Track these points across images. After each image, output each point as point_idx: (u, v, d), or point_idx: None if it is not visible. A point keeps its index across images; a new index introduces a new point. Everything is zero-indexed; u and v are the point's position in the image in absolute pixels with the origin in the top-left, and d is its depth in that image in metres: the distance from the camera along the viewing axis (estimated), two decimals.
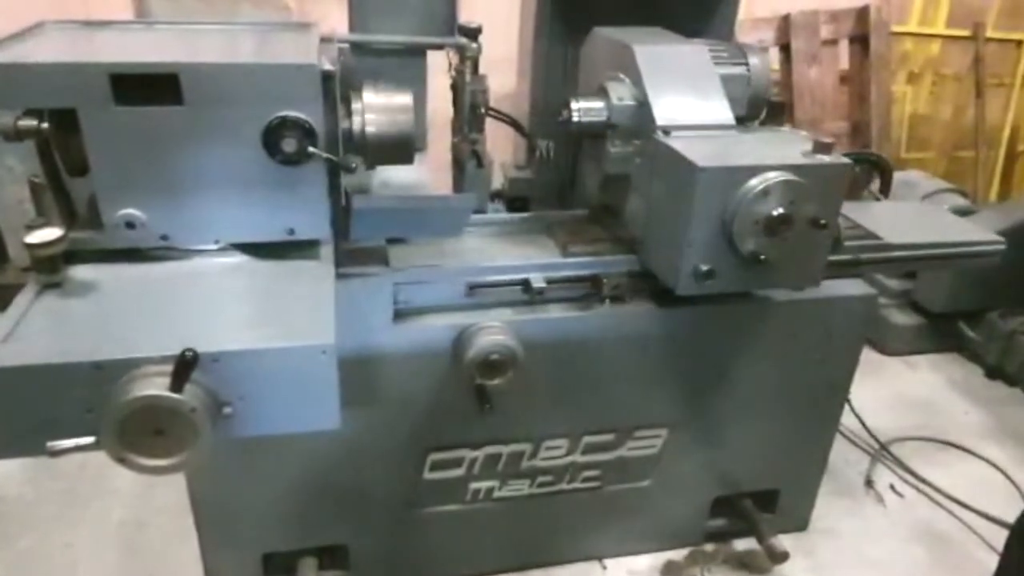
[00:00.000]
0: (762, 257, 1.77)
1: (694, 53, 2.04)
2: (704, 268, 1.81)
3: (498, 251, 2.12)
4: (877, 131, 4.67)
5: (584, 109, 1.98)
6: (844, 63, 4.70)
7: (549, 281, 1.99)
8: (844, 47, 4.67)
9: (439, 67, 2.34)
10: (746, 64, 2.12)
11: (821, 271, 1.94)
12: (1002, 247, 2.33)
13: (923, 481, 2.93)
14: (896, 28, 4.76)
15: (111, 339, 1.27)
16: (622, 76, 2.00)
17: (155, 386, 1.18)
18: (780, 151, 1.84)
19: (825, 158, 1.79)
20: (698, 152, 1.76)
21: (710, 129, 1.91)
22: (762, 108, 2.17)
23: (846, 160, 1.80)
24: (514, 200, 2.67)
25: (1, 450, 1.23)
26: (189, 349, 1.16)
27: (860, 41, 4.65)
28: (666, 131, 1.88)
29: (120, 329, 1.33)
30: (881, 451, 3.06)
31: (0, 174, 3.47)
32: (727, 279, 1.85)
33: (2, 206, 3.53)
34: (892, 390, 3.53)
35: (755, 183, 1.72)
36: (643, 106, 1.93)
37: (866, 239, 2.20)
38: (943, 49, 5.07)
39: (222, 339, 1.27)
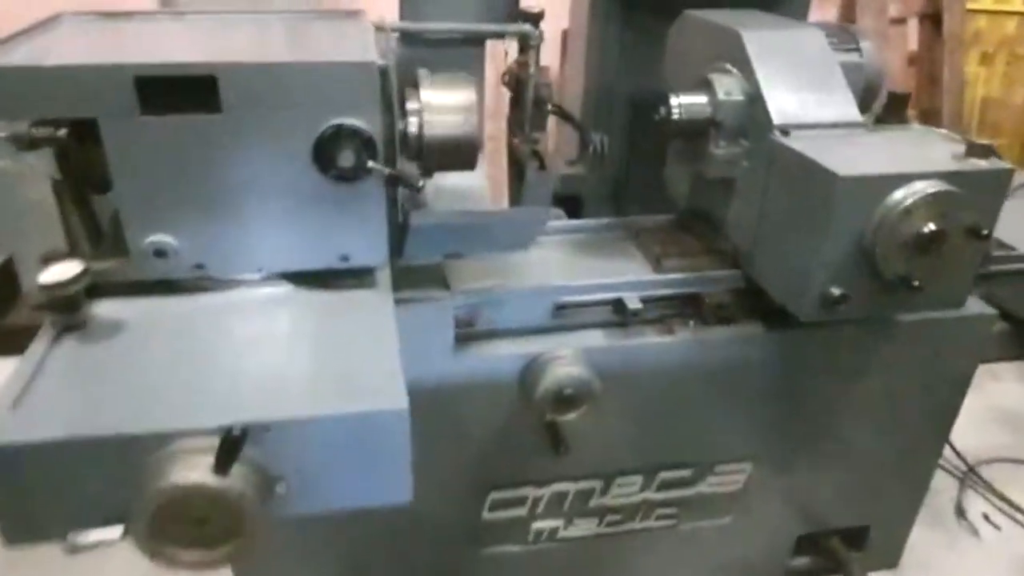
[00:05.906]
0: (915, 282, 1.51)
1: (810, 38, 1.75)
2: (837, 292, 1.54)
3: (577, 265, 1.88)
4: (949, 117, 4.34)
5: (685, 106, 1.72)
6: (913, 44, 4.37)
7: (644, 300, 1.75)
8: (913, 26, 4.35)
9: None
10: (858, 50, 1.85)
11: (968, 291, 1.68)
12: None
13: (1018, 510, 2.67)
14: (970, 5, 4.42)
15: (142, 403, 1.06)
16: (729, 67, 1.73)
17: (195, 466, 0.96)
18: (925, 154, 1.57)
19: (982, 163, 1.52)
20: (831, 157, 1.49)
21: (835, 128, 1.64)
22: (874, 100, 1.89)
23: (1008, 165, 1.52)
24: (566, 199, 2.43)
25: (14, 537, 1.02)
26: (237, 425, 0.95)
27: (931, 19, 4.32)
28: (784, 131, 1.61)
29: (152, 387, 1.11)
30: (970, 474, 2.80)
31: (22, 171, 3.29)
32: (862, 304, 1.58)
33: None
34: (976, 403, 3.21)
35: (902, 195, 1.46)
36: (755, 101, 1.66)
37: (997, 249, 1.93)
38: (1020, 27, 4.71)
39: (274, 403, 1.06)
